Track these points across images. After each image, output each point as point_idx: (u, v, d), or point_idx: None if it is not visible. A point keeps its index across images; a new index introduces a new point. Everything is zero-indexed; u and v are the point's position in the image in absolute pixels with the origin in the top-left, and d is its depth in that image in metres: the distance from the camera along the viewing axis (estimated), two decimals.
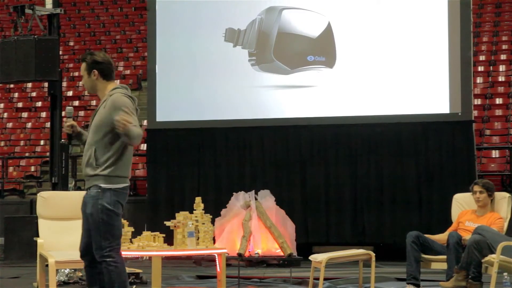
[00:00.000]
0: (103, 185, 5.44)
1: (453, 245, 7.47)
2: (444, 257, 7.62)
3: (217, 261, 7.92)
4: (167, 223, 8.32)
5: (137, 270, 8.87)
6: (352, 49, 11.68)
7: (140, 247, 7.47)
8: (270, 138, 11.99)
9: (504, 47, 17.57)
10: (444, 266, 7.65)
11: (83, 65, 5.63)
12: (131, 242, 7.95)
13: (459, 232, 7.73)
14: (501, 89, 16.32)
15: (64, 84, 17.97)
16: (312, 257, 7.90)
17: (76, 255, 7.70)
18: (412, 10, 11.47)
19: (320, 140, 11.83)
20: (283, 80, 11.81)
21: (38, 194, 8.62)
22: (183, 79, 12.17)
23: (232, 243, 10.78)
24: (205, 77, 12.09)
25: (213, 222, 9.12)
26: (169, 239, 8.40)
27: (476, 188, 7.87)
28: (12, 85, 19.15)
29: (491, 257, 7.00)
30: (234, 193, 11.24)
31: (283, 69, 11.80)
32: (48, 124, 14.96)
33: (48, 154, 12.95)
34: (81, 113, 18.70)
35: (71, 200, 8.58)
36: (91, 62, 5.61)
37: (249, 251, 10.72)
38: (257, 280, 9.56)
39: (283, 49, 11.86)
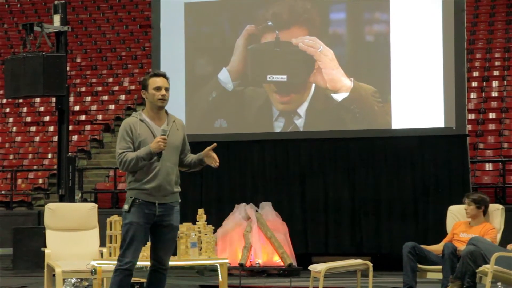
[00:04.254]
0: (180, 201, 5.88)
1: (448, 256, 7.46)
2: (440, 267, 7.62)
3: (219, 271, 7.90)
4: None
5: (141, 280, 8.85)
6: (350, 64, 11.69)
7: (144, 257, 7.45)
8: (271, 152, 11.98)
9: (497, 63, 17.60)
10: (439, 276, 7.64)
11: (168, 82, 5.87)
12: None
13: (454, 243, 7.73)
14: (494, 104, 16.33)
15: (71, 99, 18.02)
16: (311, 267, 7.89)
17: (82, 265, 7.73)
18: (407, 28, 11.48)
19: (319, 153, 11.82)
20: (283, 96, 11.83)
21: (45, 206, 8.62)
22: (185, 94, 12.17)
23: (233, 254, 10.78)
24: (207, 92, 12.10)
25: (215, 233, 9.11)
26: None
27: (465, 201, 7.94)
28: (21, 100, 19.20)
29: (485, 267, 6.99)
30: (236, 204, 11.25)
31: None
32: (55, 138, 14.99)
33: (55, 167, 12.95)
34: (88, 127, 18.73)
35: (78, 211, 8.59)
36: (169, 83, 5.91)
37: (250, 261, 10.72)
38: None
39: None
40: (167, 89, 5.81)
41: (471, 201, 7.89)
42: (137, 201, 5.64)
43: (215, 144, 5.87)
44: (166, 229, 5.73)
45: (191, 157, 5.92)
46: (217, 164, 5.88)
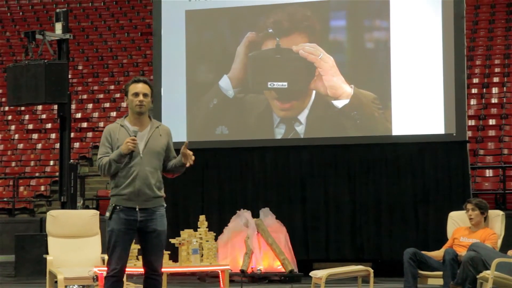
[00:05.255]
0: (165, 205, 5.85)
1: (449, 261, 7.46)
2: (441, 273, 7.62)
3: (220, 277, 7.90)
4: (172, 241, 8.32)
5: (139, 286, 8.85)
6: (350, 71, 11.70)
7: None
8: (272, 158, 11.98)
9: (497, 70, 17.61)
10: (440, 282, 7.64)
11: (148, 88, 5.81)
12: (137, 259, 7.95)
13: (455, 248, 7.73)
14: (494, 110, 16.33)
15: (73, 106, 18.03)
16: (312, 273, 7.89)
17: (84, 271, 7.72)
18: (407, 34, 11.48)
19: (319, 160, 11.81)
20: (283, 102, 11.84)
21: (47, 213, 8.62)
22: (186, 101, 12.19)
23: (235, 260, 10.77)
24: (208, 99, 12.11)
25: (216, 239, 9.11)
26: (174, 256, 8.39)
27: (469, 206, 7.90)
28: (23, 108, 19.20)
29: (485, 273, 6.99)
30: (237, 211, 11.24)
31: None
32: (57, 145, 14.99)
33: (57, 174, 12.95)
34: (89, 134, 18.74)
35: (80, 218, 8.60)
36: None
37: (252, 268, 10.71)
38: None
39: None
40: (145, 95, 5.77)
41: (475, 207, 7.86)
42: (117, 207, 5.69)
43: (186, 142, 5.83)
44: (152, 235, 5.73)
45: (172, 162, 5.88)
46: (192, 161, 5.80)
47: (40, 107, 19.62)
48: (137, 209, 5.67)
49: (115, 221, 5.68)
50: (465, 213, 7.98)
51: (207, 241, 8.34)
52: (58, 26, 12.16)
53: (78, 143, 18.27)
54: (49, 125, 19.30)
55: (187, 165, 5.79)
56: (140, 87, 5.77)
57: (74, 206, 11.81)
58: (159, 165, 5.79)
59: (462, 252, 7.52)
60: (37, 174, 17.68)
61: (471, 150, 14.13)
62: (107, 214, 5.72)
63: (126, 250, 5.74)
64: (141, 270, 7.42)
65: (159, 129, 5.84)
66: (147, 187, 5.68)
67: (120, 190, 5.68)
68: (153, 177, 5.71)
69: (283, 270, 10.73)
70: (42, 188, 17.16)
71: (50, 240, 8.35)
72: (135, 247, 7.86)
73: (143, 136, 5.74)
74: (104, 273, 7.21)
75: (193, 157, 5.80)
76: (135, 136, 5.63)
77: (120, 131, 5.75)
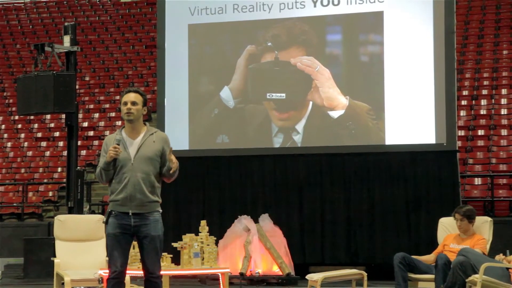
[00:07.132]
0: (160, 211, 5.77)
1: (441, 266, 7.46)
2: (430, 276, 7.62)
3: (220, 280, 7.90)
4: (175, 245, 8.33)
5: None
6: (346, 83, 11.72)
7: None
8: (270, 166, 11.99)
9: (485, 83, 17.62)
10: (430, 285, 7.63)
11: (139, 97, 5.78)
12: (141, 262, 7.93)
13: (445, 254, 7.73)
14: (483, 121, 16.34)
15: (80, 115, 18.01)
16: (308, 277, 7.89)
17: (90, 274, 7.72)
18: (400, 48, 11.51)
19: (316, 168, 11.82)
20: (281, 113, 11.86)
21: (55, 217, 8.62)
22: (189, 111, 12.20)
23: (234, 263, 10.77)
24: (209, 109, 12.12)
25: (217, 243, 9.11)
26: (176, 259, 8.40)
27: (457, 216, 7.90)
28: (32, 117, 19.20)
29: (474, 277, 6.99)
30: (238, 216, 11.24)
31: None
32: (65, 153, 14.99)
33: (65, 180, 12.95)
34: (96, 142, 18.73)
35: (86, 223, 8.60)
36: (145, 98, 5.85)
37: (250, 271, 10.71)
38: None
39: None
40: (134, 103, 5.74)
41: (464, 217, 7.86)
42: (113, 213, 5.71)
43: (171, 147, 5.82)
44: (146, 240, 5.71)
45: (165, 167, 5.83)
46: (174, 165, 5.68)
47: (48, 116, 19.59)
48: (130, 214, 5.66)
49: (111, 226, 5.70)
50: (454, 220, 7.99)
51: (208, 245, 8.34)
52: (66, 39, 12.18)
53: (84, 151, 18.25)
54: (57, 134, 19.28)
55: (171, 171, 5.70)
56: (130, 96, 5.76)
57: (80, 211, 11.80)
58: (152, 170, 5.73)
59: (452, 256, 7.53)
60: (45, 180, 17.66)
61: (461, 159, 14.13)
62: (104, 219, 5.76)
63: (125, 253, 5.73)
64: None
65: (154, 136, 5.82)
66: (139, 192, 5.66)
67: (114, 196, 5.70)
68: (145, 183, 5.68)
69: (280, 273, 10.73)
70: (50, 193, 17.13)
71: (58, 244, 8.35)
72: (138, 251, 7.85)
73: (136, 143, 5.75)
74: None
75: (174, 163, 5.70)
76: (118, 144, 5.65)
77: (115, 141, 5.78)
